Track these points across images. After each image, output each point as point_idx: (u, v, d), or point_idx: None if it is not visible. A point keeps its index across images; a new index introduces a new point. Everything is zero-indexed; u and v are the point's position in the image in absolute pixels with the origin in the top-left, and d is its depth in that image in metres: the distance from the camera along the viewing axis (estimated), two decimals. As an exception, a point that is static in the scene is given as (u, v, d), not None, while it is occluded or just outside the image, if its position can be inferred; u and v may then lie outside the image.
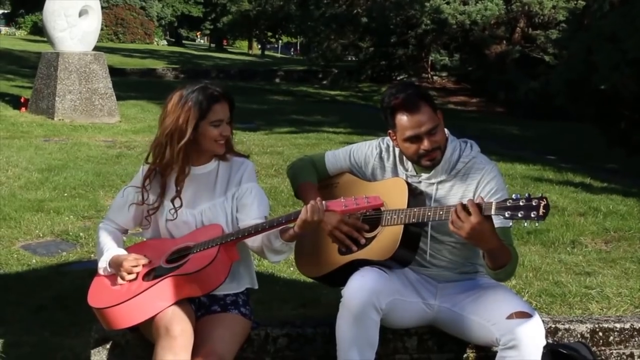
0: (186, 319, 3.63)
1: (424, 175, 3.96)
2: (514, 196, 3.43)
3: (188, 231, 3.92)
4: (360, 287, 3.75)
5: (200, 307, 3.87)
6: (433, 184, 3.95)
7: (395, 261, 3.86)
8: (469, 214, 3.48)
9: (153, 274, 3.76)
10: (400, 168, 4.04)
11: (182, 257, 3.78)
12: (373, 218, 3.91)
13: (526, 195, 3.40)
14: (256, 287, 4.10)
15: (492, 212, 3.45)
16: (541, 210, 3.32)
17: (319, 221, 3.65)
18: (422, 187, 3.96)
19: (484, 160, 3.97)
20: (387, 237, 3.85)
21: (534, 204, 3.34)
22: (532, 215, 3.33)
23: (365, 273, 3.81)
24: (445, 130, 4.00)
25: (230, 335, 3.77)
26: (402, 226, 3.80)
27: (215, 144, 3.88)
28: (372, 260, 3.86)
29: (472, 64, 27.15)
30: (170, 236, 3.95)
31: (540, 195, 3.38)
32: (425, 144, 3.84)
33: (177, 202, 3.89)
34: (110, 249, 3.92)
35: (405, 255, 3.87)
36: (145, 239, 4.11)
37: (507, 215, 3.40)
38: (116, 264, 3.84)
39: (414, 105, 3.82)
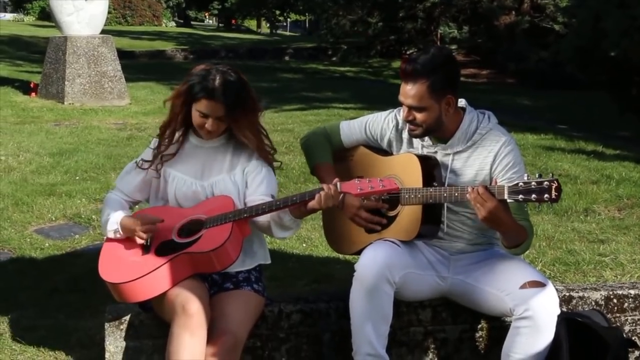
0: (202, 298, 3.65)
1: (440, 146, 3.95)
2: (525, 177, 3.42)
3: (197, 203, 3.94)
4: (372, 261, 3.76)
5: (212, 285, 3.88)
6: (449, 154, 3.93)
7: (421, 237, 3.89)
8: (484, 199, 3.49)
9: (167, 247, 3.77)
10: (416, 139, 4.02)
11: (195, 231, 3.78)
12: (393, 196, 3.91)
13: (537, 175, 3.40)
14: (269, 261, 4.11)
15: (505, 196, 3.45)
16: (553, 193, 3.34)
17: (333, 206, 3.67)
18: (438, 157, 3.95)
19: (502, 131, 3.95)
20: (409, 215, 3.87)
21: (545, 186, 3.34)
22: (545, 198, 3.36)
23: (377, 247, 3.82)
24: (463, 101, 4.00)
25: (244, 312, 3.78)
26: (421, 205, 3.81)
27: (199, 128, 3.91)
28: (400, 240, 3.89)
29: (481, 36, 26.94)
30: (179, 207, 3.97)
31: (551, 176, 3.38)
32: (403, 114, 3.89)
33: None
34: (118, 211, 3.95)
35: (429, 231, 3.90)
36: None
37: (520, 199, 3.41)
38: (129, 227, 3.85)
39: (409, 76, 3.81)
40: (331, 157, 4.21)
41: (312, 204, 3.65)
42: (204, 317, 3.59)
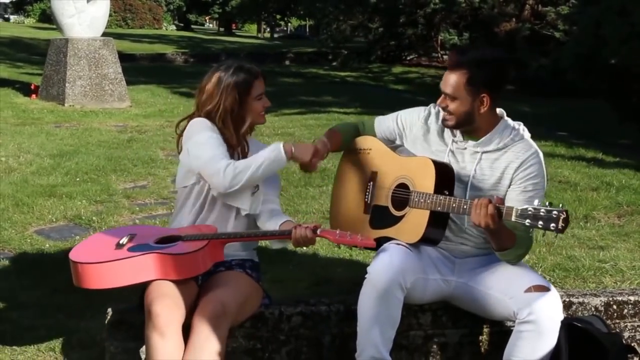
0: (171, 293, 3.60)
1: (471, 143, 3.98)
2: (536, 203, 3.42)
3: (218, 205, 4.01)
4: (387, 265, 3.76)
5: (205, 273, 3.86)
6: (478, 152, 3.96)
7: (425, 242, 3.89)
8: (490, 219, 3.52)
9: (139, 247, 3.74)
10: (447, 133, 4.05)
11: (172, 241, 3.80)
12: (402, 197, 3.93)
13: (547, 204, 3.38)
14: (257, 260, 4.18)
15: (513, 218, 3.45)
16: (560, 224, 3.33)
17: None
18: (467, 154, 3.97)
19: (533, 144, 4.00)
20: (416, 218, 3.87)
21: (554, 215, 3.33)
22: (552, 227, 3.34)
23: (393, 252, 3.82)
24: (503, 111, 4.07)
25: (233, 286, 3.77)
26: (429, 211, 3.81)
27: (259, 116, 4.07)
28: (402, 241, 3.90)
29: (481, 43, 26.99)
30: (199, 212, 4.01)
31: (561, 206, 3.36)
32: (439, 100, 3.94)
33: None
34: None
35: (433, 236, 3.89)
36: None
37: (527, 223, 3.40)
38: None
39: (453, 65, 3.89)
40: (349, 137, 4.32)
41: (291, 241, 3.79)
42: (173, 314, 3.53)
